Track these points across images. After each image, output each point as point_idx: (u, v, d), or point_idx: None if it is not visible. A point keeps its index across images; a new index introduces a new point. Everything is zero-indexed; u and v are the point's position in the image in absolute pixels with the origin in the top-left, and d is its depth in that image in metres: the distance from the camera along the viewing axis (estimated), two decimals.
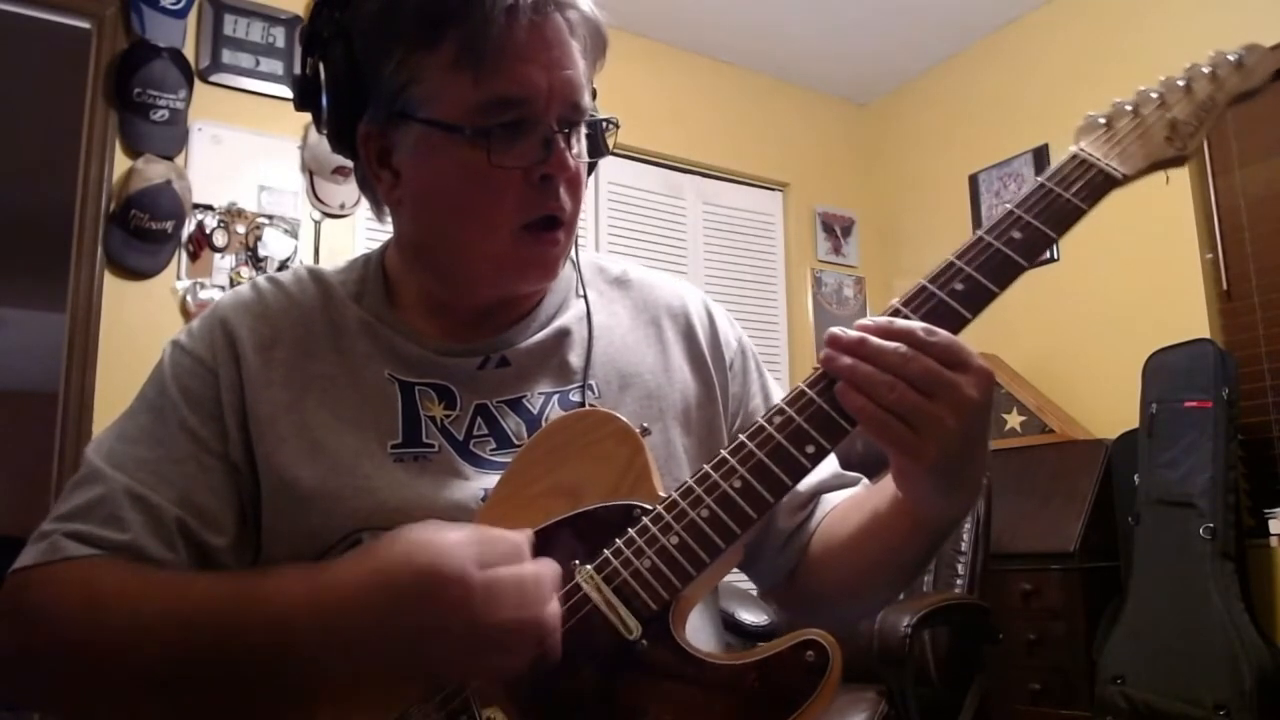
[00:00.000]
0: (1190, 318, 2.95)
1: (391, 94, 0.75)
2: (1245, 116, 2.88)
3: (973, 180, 3.77)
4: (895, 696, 1.69)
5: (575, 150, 0.77)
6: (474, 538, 0.61)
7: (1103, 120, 0.74)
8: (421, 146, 0.75)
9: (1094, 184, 0.70)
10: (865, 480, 0.92)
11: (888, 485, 0.76)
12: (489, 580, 0.59)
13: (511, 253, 0.77)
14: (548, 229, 0.77)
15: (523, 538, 0.64)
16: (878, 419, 0.62)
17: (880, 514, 0.77)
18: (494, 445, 0.79)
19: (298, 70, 0.82)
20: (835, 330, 0.65)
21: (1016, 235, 0.68)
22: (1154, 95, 0.75)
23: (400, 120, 0.75)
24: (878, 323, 0.64)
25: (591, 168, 0.82)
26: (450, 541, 0.60)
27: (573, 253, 0.87)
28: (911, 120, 4.12)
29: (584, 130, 0.78)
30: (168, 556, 0.71)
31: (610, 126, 0.80)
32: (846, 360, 0.63)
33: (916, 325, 0.63)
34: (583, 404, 0.81)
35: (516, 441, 0.79)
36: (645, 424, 0.73)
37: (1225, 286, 2.97)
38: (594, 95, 0.80)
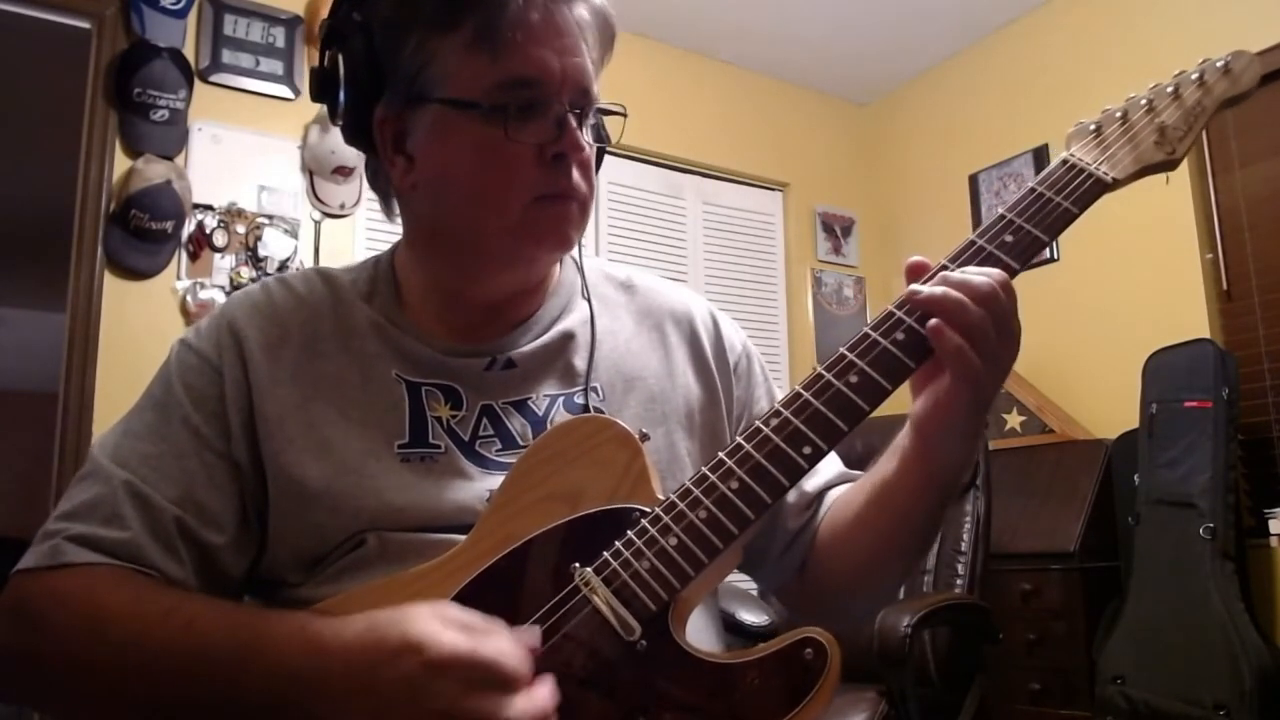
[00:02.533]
0: (1190, 318, 2.95)
1: (410, 76, 0.77)
2: (1245, 116, 2.88)
3: (973, 180, 3.77)
4: (895, 696, 1.69)
5: (586, 136, 0.79)
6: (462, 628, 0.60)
7: (1092, 126, 0.76)
8: (437, 126, 0.77)
9: (1084, 188, 0.72)
10: None
11: (894, 454, 0.77)
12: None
13: (525, 223, 0.77)
14: (562, 198, 0.78)
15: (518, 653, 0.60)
16: (956, 344, 0.65)
17: (889, 481, 0.78)
18: (499, 446, 0.80)
19: (310, 65, 0.83)
20: (919, 259, 0.71)
21: (1009, 239, 0.70)
22: (1143, 101, 0.76)
23: (417, 103, 0.77)
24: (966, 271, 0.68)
25: (601, 156, 0.83)
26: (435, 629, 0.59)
27: (578, 257, 0.88)
28: (911, 120, 4.12)
29: (592, 120, 0.80)
30: (167, 557, 0.71)
31: (618, 115, 0.82)
32: (939, 290, 0.67)
33: (998, 275, 0.67)
34: (586, 406, 0.82)
35: (521, 442, 0.80)
36: (644, 430, 0.74)
37: (1225, 286, 2.97)
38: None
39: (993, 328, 0.66)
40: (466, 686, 0.57)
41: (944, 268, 0.70)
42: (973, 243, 0.71)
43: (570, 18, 0.77)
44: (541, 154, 0.76)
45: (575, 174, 0.78)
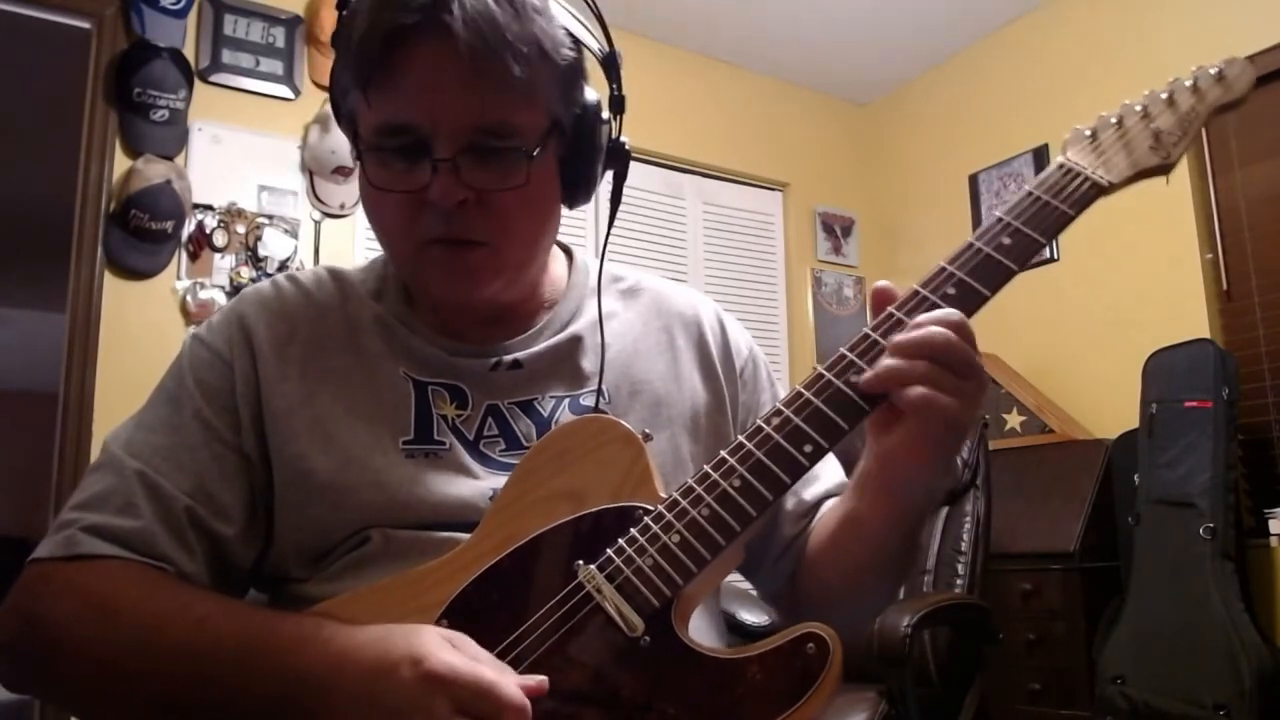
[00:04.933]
0: (1190, 318, 2.95)
1: (350, 106, 0.78)
2: (1245, 116, 2.88)
3: (973, 180, 3.77)
4: (895, 696, 1.69)
5: (477, 176, 0.73)
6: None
7: (1088, 132, 0.77)
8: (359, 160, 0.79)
9: (1080, 192, 0.73)
10: None
11: (862, 485, 0.77)
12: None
13: (420, 264, 0.78)
14: (456, 244, 0.75)
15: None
16: (924, 394, 0.65)
17: (859, 511, 0.78)
18: (504, 446, 0.80)
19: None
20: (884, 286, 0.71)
21: (1006, 241, 0.71)
22: (1137, 108, 0.77)
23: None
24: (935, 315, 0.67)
25: (543, 193, 0.78)
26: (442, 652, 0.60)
27: (588, 261, 0.88)
28: (911, 120, 4.12)
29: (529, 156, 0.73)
30: (179, 547, 0.72)
31: (526, 156, 0.73)
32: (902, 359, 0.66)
33: (955, 314, 0.67)
34: (594, 409, 0.82)
35: (526, 443, 0.80)
36: (647, 430, 0.74)
37: (1225, 286, 2.97)
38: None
39: (953, 374, 0.66)
40: (457, 707, 0.57)
41: (943, 270, 0.71)
42: (971, 245, 0.71)
43: (447, 54, 0.69)
44: (417, 198, 0.73)
45: (463, 219, 0.73)
